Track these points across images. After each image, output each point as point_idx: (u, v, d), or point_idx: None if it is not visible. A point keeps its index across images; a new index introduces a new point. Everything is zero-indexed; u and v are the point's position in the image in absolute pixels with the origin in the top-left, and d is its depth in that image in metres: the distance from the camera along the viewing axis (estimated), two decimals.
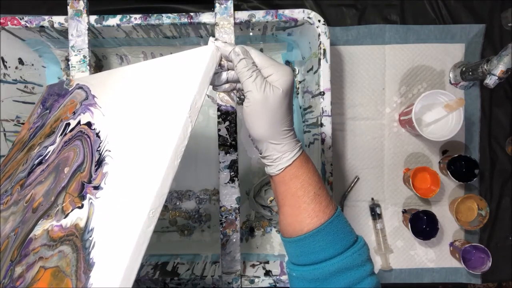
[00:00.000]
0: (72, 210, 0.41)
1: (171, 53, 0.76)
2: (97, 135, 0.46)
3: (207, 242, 0.77)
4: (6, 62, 0.67)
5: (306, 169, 0.41)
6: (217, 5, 0.62)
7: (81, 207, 0.41)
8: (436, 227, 0.71)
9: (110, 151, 0.43)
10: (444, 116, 0.70)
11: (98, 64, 0.77)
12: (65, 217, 0.41)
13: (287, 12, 0.62)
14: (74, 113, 0.53)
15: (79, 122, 0.50)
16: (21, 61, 0.70)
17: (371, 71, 0.77)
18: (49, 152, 0.51)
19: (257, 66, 0.39)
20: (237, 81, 0.42)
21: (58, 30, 0.64)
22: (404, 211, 0.76)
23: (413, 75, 0.77)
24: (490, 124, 0.77)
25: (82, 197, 0.41)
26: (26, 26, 0.63)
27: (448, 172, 0.71)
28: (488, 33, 0.76)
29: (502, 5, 0.77)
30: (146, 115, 0.42)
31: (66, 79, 0.63)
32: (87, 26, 0.62)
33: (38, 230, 0.43)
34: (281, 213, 0.42)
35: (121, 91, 0.48)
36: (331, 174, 0.61)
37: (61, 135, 0.52)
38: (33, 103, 0.72)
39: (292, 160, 0.40)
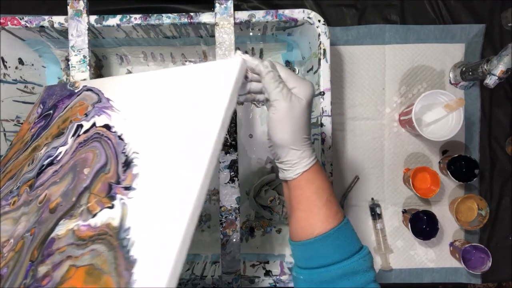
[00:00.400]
0: (100, 210, 0.42)
1: (171, 53, 0.76)
2: (120, 137, 0.47)
3: (207, 242, 0.77)
4: (6, 62, 0.67)
5: (320, 175, 0.44)
6: (217, 5, 0.62)
7: (111, 207, 0.42)
8: (436, 227, 0.71)
9: (138, 153, 0.45)
10: (444, 116, 0.70)
11: (98, 64, 0.77)
12: (93, 217, 0.42)
13: (287, 12, 0.62)
14: (86, 115, 0.54)
15: (94, 124, 0.51)
16: (21, 61, 0.70)
17: (371, 71, 0.77)
18: (60, 152, 0.52)
19: (282, 79, 0.42)
20: (258, 92, 0.46)
21: (58, 30, 0.64)
22: (404, 211, 0.76)
23: (413, 75, 0.77)
24: (490, 124, 0.77)
25: (111, 198, 0.43)
26: (26, 26, 0.63)
27: (448, 172, 0.71)
28: (488, 33, 0.76)
29: (502, 5, 0.77)
30: (178, 121, 0.44)
31: (68, 81, 0.63)
32: (87, 26, 0.62)
33: (61, 230, 0.44)
34: (294, 217, 0.44)
35: (145, 97, 0.50)
36: (331, 174, 0.61)
37: (73, 136, 0.52)
38: (33, 103, 0.72)
39: (310, 165, 0.43)
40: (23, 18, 0.63)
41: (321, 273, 0.41)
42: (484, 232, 0.76)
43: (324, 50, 0.61)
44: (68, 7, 0.62)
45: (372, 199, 0.77)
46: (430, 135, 0.68)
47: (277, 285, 0.62)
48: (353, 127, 0.77)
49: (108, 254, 0.39)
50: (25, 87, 0.71)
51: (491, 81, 0.62)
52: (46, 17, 0.63)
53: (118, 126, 0.49)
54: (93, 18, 0.63)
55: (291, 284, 0.60)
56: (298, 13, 0.62)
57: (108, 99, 0.54)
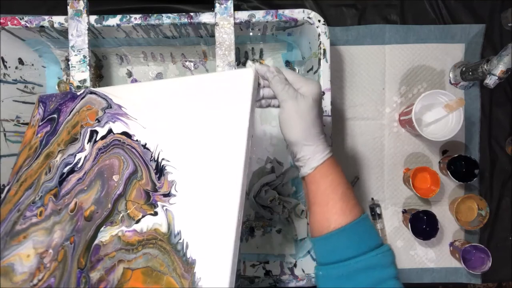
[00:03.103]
0: (143, 217, 0.45)
1: (171, 53, 0.76)
2: (145, 147, 0.49)
3: None
4: (6, 62, 0.67)
5: (335, 170, 0.45)
6: (217, 5, 0.62)
7: (154, 214, 0.44)
8: (436, 227, 0.71)
9: (169, 161, 0.47)
10: (444, 116, 0.70)
11: (98, 64, 0.77)
12: (136, 223, 0.45)
13: (287, 12, 0.62)
14: (98, 120, 0.54)
15: (110, 131, 0.52)
16: (21, 61, 0.70)
17: (371, 71, 0.77)
18: (79, 159, 0.52)
19: (288, 81, 0.45)
20: (272, 97, 0.48)
21: (58, 30, 0.64)
22: (404, 211, 0.76)
23: (413, 75, 0.77)
24: (490, 124, 0.77)
25: (153, 205, 0.45)
26: (26, 26, 0.63)
27: (448, 172, 0.71)
28: (488, 33, 0.76)
29: (502, 5, 0.77)
30: (204, 129, 0.46)
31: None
32: (87, 26, 0.62)
33: (104, 237, 0.46)
34: (311, 212, 0.46)
35: (162, 105, 0.51)
36: None
37: (89, 142, 0.53)
38: (33, 103, 0.72)
39: (323, 159, 0.44)
40: (23, 18, 0.63)
41: (338, 268, 0.42)
42: (484, 232, 0.76)
43: (324, 50, 0.61)
44: (68, 7, 0.62)
45: (372, 199, 0.77)
46: (430, 135, 0.68)
47: (277, 285, 0.62)
48: (353, 127, 0.77)
49: (163, 257, 0.42)
50: (25, 87, 0.71)
51: (491, 81, 0.62)
52: (46, 17, 0.63)
53: (140, 135, 0.50)
54: (93, 18, 0.63)
55: (291, 284, 0.60)
56: (298, 13, 0.62)
57: (119, 106, 0.54)
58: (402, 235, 0.77)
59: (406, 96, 0.77)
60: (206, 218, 0.42)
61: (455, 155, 0.71)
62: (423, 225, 0.72)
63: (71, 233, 0.48)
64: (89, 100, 0.57)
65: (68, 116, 0.57)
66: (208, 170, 0.44)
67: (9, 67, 0.68)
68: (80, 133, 0.54)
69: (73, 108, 0.57)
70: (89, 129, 0.54)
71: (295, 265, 0.65)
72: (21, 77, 0.70)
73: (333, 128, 0.69)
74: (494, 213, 0.76)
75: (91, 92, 0.57)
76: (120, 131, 0.52)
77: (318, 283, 0.45)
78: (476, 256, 0.72)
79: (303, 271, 0.65)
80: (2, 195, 0.55)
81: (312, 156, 0.44)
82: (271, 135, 0.76)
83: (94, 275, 0.45)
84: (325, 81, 0.61)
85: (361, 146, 0.77)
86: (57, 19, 0.63)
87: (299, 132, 0.44)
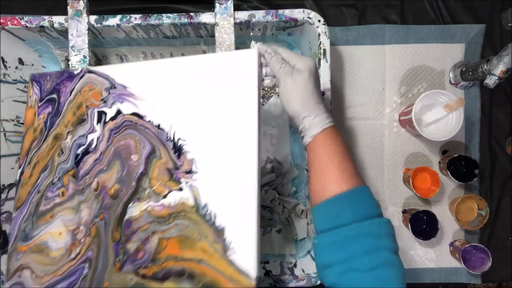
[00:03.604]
0: (169, 192, 0.48)
1: (171, 53, 0.76)
2: (159, 127, 0.51)
3: None
4: (6, 62, 0.67)
5: (334, 139, 0.46)
6: (217, 5, 0.62)
7: (180, 190, 0.48)
8: (436, 227, 0.71)
9: (185, 140, 0.50)
10: (444, 116, 0.70)
11: (98, 64, 0.77)
12: (163, 198, 0.49)
13: (287, 12, 0.62)
14: (104, 101, 0.55)
15: (119, 112, 0.54)
16: (21, 61, 0.70)
17: (371, 71, 0.77)
18: (92, 140, 0.54)
19: (285, 60, 0.48)
20: (270, 75, 0.52)
21: (58, 30, 0.64)
22: (404, 211, 0.76)
23: (413, 75, 0.77)
24: (490, 124, 0.77)
25: (177, 182, 0.49)
26: (26, 26, 0.63)
27: (448, 172, 0.71)
28: (488, 33, 0.76)
29: (502, 5, 0.77)
30: (216, 106, 0.50)
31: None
32: (87, 26, 0.62)
33: (134, 212, 0.50)
34: (310, 182, 0.47)
35: (170, 85, 0.53)
36: None
37: (99, 123, 0.55)
38: None
39: (322, 128, 0.46)
40: (23, 18, 0.63)
41: (330, 235, 0.42)
42: (484, 232, 0.76)
43: (324, 50, 0.61)
44: (68, 7, 0.62)
45: None
46: (430, 135, 0.68)
47: (277, 285, 0.62)
48: (353, 127, 0.77)
49: (194, 227, 0.46)
50: (25, 87, 0.71)
51: (491, 81, 0.62)
52: (46, 17, 0.63)
53: (151, 116, 0.52)
54: (93, 18, 0.63)
55: (291, 284, 0.60)
56: (298, 13, 0.62)
57: (123, 86, 0.55)
58: (402, 235, 0.77)
59: (406, 96, 0.77)
60: (229, 189, 0.46)
61: (455, 155, 0.71)
62: (423, 225, 0.72)
63: (99, 211, 0.51)
64: (89, 80, 0.57)
65: (69, 96, 0.58)
66: (225, 145, 0.48)
67: (9, 67, 0.68)
68: (87, 114, 0.56)
69: (73, 88, 0.58)
70: (96, 110, 0.55)
71: (295, 265, 0.65)
72: (21, 77, 0.70)
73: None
74: (494, 213, 0.76)
75: (90, 71, 0.57)
76: (130, 112, 0.53)
77: (314, 254, 0.45)
78: (476, 256, 0.72)
79: (303, 271, 0.65)
80: (17, 177, 0.58)
81: (312, 126, 0.46)
82: (271, 135, 0.76)
83: (131, 246, 0.49)
84: (325, 81, 0.61)
85: (361, 146, 0.77)
86: (57, 19, 0.63)
87: (298, 104, 0.46)
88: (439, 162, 0.76)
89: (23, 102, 0.70)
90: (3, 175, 0.64)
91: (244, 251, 0.43)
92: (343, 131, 0.76)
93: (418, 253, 0.76)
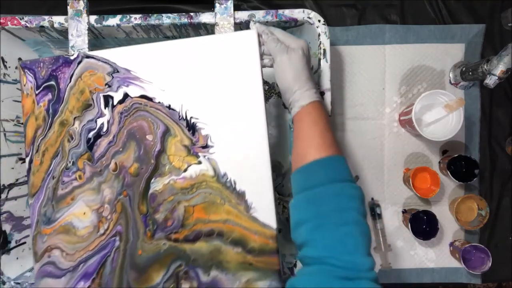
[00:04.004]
0: (189, 166, 0.54)
1: None
2: (170, 108, 0.55)
3: None
4: (6, 62, 0.67)
5: (319, 111, 0.50)
6: (217, 5, 0.62)
7: (199, 163, 0.54)
8: (436, 227, 0.71)
9: (198, 118, 0.54)
10: (444, 116, 0.70)
11: None
12: (184, 172, 0.54)
13: (287, 12, 0.62)
14: (109, 85, 0.57)
15: (127, 95, 0.56)
16: (21, 61, 0.70)
17: (371, 71, 0.77)
18: (102, 124, 0.57)
19: (280, 40, 0.53)
20: (267, 54, 0.55)
21: (58, 30, 0.64)
22: (404, 211, 0.76)
23: (413, 75, 0.77)
24: (490, 124, 0.77)
25: (195, 156, 0.54)
26: (26, 26, 0.63)
27: (448, 172, 0.71)
28: (488, 33, 0.76)
29: (502, 5, 0.77)
30: (222, 85, 0.54)
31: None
32: (87, 26, 0.62)
33: (157, 187, 0.54)
34: (294, 148, 0.51)
35: (174, 66, 0.56)
36: None
37: (106, 107, 0.57)
38: None
39: (310, 100, 0.50)
40: (23, 18, 0.63)
41: (307, 193, 0.45)
42: (484, 232, 0.76)
43: (324, 50, 0.61)
44: (68, 7, 0.62)
45: (372, 199, 0.77)
46: (430, 135, 0.68)
47: None
48: (353, 127, 0.77)
49: (216, 193, 0.53)
50: None
51: (491, 81, 0.62)
52: (46, 17, 0.63)
53: (160, 97, 0.55)
54: (93, 18, 0.63)
55: None
56: (298, 13, 0.62)
57: (127, 70, 0.56)
58: (402, 235, 0.77)
59: (406, 96, 0.77)
60: (244, 157, 0.53)
61: (455, 155, 0.71)
62: (423, 225, 0.72)
63: (122, 188, 0.55)
64: (88, 65, 0.58)
65: (69, 82, 0.58)
66: (235, 119, 0.53)
67: (9, 67, 0.68)
68: (92, 99, 0.57)
69: (72, 74, 0.58)
70: (101, 95, 0.57)
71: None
72: None
73: (332, 128, 0.69)
74: (494, 213, 0.76)
75: (88, 56, 0.58)
76: (138, 95, 0.56)
77: (290, 215, 0.47)
78: (476, 256, 0.72)
79: None
80: (26, 166, 0.59)
81: (301, 98, 0.51)
82: (271, 135, 0.76)
83: (159, 216, 0.54)
84: (325, 81, 0.61)
85: (361, 146, 0.77)
86: (57, 19, 0.63)
87: (290, 78, 0.51)
88: (439, 162, 0.76)
89: None
90: (3, 175, 0.64)
91: (264, 208, 0.52)
92: (343, 131, 0.76)
93: (418, 253, 0.76)
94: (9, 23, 0.63)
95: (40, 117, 0.59)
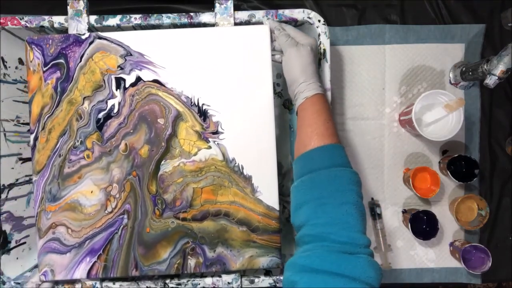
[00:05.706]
0: (199, 150, 0.57)
1: None
2: (182, 93, 0.57)
3: None
4: (6, 62, 0.67)
5: (322, 103, 0.53)
6: (217, 5, 0.62)
7: (208, 148, 0.57)
8: (436, 227, 0.71)
9: (209, 105, 0.57)
10: (444, 116, 0.70)
11: None
12: (194, 155, 0.57)
13: (287, 12, 0.62)
14: (121, 68, 0.58)
15: (139, 79, 0.58)
16: (21, 61, 0.70)
17: (371, 71, 0.77)
18: (113, 105, 0.58)
19: (291, 35, 0.57)
20: (278, 49, 0.59)
21: (58, 30, 0.64)
22: (404, 211, 0.76)
23: (413, 75, 0.77)
24: (490, 124, 0.77)
25: (205, 141, 0.57)
26: (26, 26, 0.63)
27: (448, 172, 0.71)
28: (488, 33, 0.76)
29: (502, 5, 0.77)
30: (234, 75, 0.58)
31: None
32: (87, 26, 0.62)
33: (167, 168, 0.57)
34: (297, 135, 0.53)
35: (188, 54, 0.58)
36: None
37: (118, 89, 0.58)
38: None
39: (314, 93, 0.53)
40: (23, 18, 0.63)
41: (309, 176, 0.48)
42: (484, 232, 0.76)
43: (324, 50, 0.61)
44: (68, 7, 0.62)
45: (372, 199, 0.77)
46: (430, 135, 0.68)
47: (277, 285, 0.62)
48: (353, 127, 0.77)
49: (225, 176, 0.57)
50: (25, 87, 0.71)
51: (491, 81, 0.62)
52: (46, 17, 0.63)
53: (173, 83, 0.58)
54: (93, 18, 0.63)
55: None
56: (298, 13, 0.62)
57: (140, 54, 0.58)
58: (402, 235, 0.77)
59: (406, 96, 0.77)
60: (251, 145, 0.57)
61: (455, 155, 0.71)
62: (423, 225, 0.72)
63: (131, 169, 0.57)
64: (101, 46, 0.58)
65: (80, 62, 0.58)
66: (245, 108, 0.57)
67: (9, 67, 0.67)
68: (104, 80, 0.58)
69: (83, 54, 0.58)
70: (113, 76, 0.58)
71: None
72: (21, 77, 0.70)
73: None
74: (494, 213, 0.76)
75: (100, 38, 0.58)
76: (150, 79, 0.58)
77: (291, 198, 0.50)
78: (476, 256, 0.72)
79: None
80: (31, 143, 0.59)
81: (306, 89, 0.53)
82: None
83: (168, 197, 0.57)
84: (325, 81, 0.61)
85: (361, 146, 0.77)
86: (57, 19, 0.63)
87: (297, 70, 0.54)
88: (439, 162, 0.76)
89: (24, 102, 0.70)
90: (3, 175, 0.64)
91: (269, 192, 0.57)
92: (343, 131, 0.76)
93: (418, 253, 0.76)
94: (9, 23, 0.63)
95: (47, 95, 0.59)
